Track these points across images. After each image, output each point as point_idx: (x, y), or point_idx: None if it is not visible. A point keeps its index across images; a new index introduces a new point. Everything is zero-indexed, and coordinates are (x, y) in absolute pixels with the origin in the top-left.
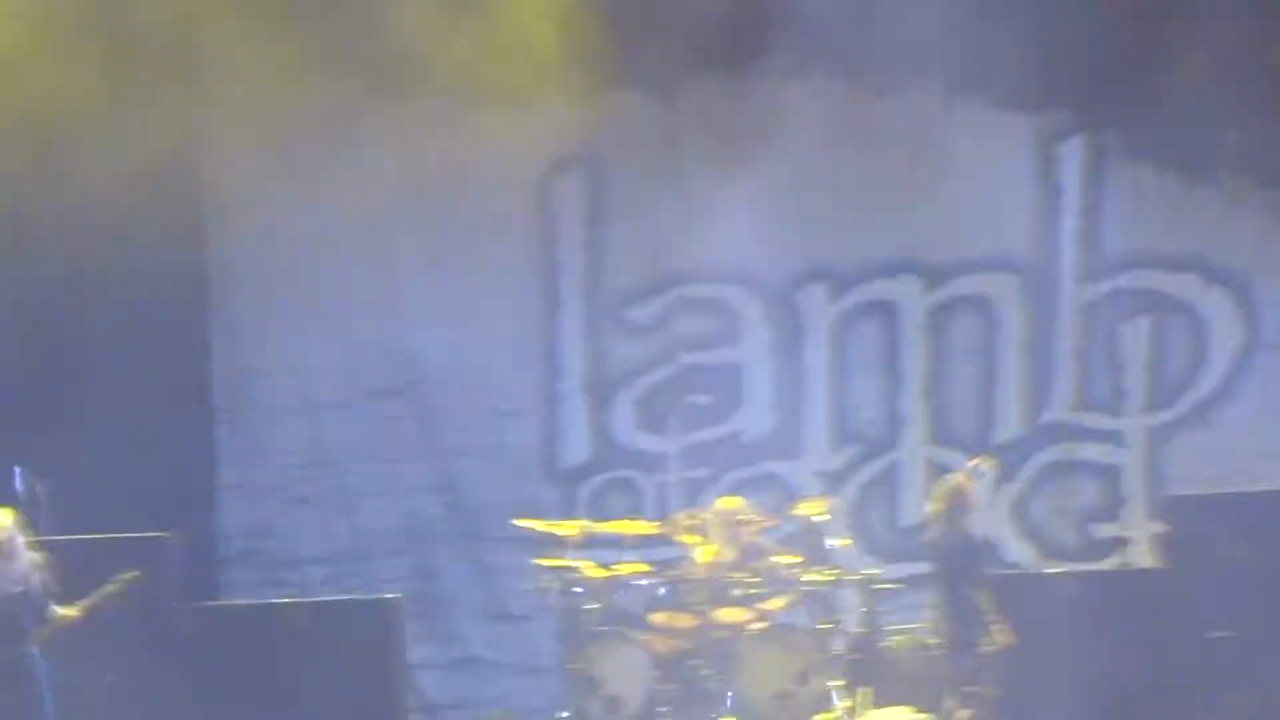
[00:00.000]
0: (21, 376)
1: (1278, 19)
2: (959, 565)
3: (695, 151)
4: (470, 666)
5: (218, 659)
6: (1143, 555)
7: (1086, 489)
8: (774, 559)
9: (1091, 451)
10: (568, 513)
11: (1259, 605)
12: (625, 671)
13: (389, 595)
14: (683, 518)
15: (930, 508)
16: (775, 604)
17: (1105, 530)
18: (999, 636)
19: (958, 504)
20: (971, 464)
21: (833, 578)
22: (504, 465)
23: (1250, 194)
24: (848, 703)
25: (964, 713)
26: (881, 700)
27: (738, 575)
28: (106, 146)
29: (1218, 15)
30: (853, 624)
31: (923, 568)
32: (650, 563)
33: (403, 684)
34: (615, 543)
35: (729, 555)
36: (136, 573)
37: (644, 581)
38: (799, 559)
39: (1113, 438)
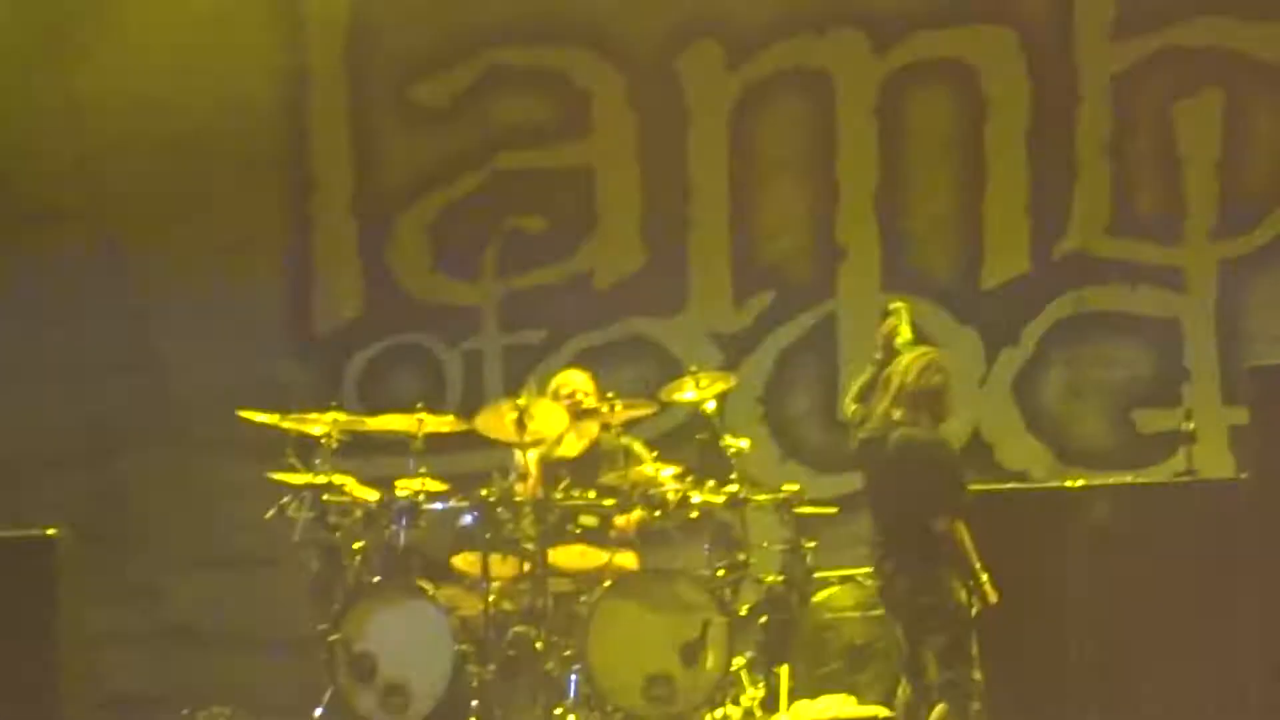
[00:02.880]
0: None
1: None
2: (916, 480)
3: None
4: (180, 637)
5: None
6: (1215, 457)
7: (1128, 357)
8: (644, 469)
9: (1134, 299)
10: (326, 400)
11: None
12: (413, 645)
13: (49, 530)
14: (504, 406)
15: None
16: (645, 538)
17: (1157, 421)
18: (984, 592)
19: (916, 382)
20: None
21: (735, 498)
22: (228, 328)
23: None
24: (759, 690)
25: (939, 709)
26: (810, 684)
27: (587, 496)
28: None
29: None
30: (766, 569)
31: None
32: (452, 478)
33: (76, 666)
34: (398, 446)
35: (574, 463)
36: None
37: (442, 505)
38: (682, 469)
39: (1166, 278)
